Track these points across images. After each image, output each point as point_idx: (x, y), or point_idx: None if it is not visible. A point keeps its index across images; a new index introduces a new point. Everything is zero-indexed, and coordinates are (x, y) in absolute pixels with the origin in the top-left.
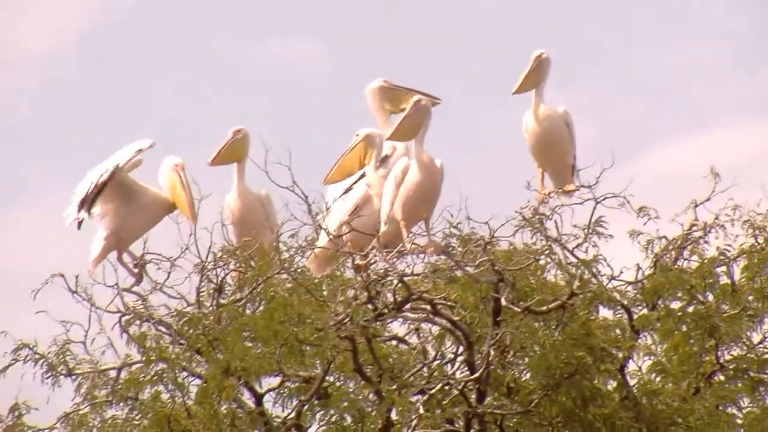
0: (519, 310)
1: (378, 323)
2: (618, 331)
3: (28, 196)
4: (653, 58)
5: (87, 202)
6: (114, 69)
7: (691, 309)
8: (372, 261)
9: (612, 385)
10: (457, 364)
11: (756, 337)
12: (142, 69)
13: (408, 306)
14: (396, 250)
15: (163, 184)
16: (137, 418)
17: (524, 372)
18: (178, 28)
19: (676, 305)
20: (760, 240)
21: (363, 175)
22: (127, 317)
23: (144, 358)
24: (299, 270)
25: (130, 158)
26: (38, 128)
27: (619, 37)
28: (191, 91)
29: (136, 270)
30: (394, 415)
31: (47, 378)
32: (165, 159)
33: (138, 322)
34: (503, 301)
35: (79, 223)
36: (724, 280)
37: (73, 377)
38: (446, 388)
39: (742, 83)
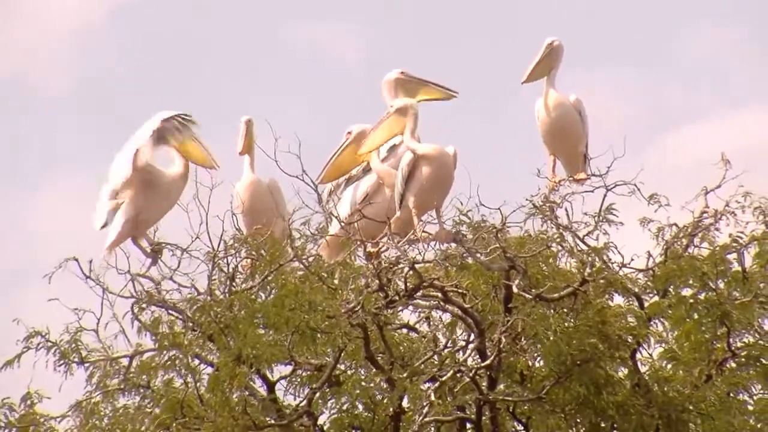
0: (530, 297)
1: (389, 311)
2: (631, 319)
3: (45, 182)
4: (683, 39)
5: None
6: (144, 48)
7: (702, 296)
8: (383, 248)
9: (623, 372)
10: (468, 352)
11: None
12: (173, 47)
13: (419, 293)
14: (406, 237)
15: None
16: (149, 406)
17: (536, 359)
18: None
19: (687, 293)
20: None
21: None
22: (139, 303)
23: (157, 344)
24: (311, 258)
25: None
26: (61, 108)
27: (647, 18)
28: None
29: (151, 253)
30: (405, 403)
31: (59, 366)
32: (157, 114)
33: (150, 307)
34: (515, 288)
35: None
36: (736, 267)
37: (86, 365)
38: (458, 375)
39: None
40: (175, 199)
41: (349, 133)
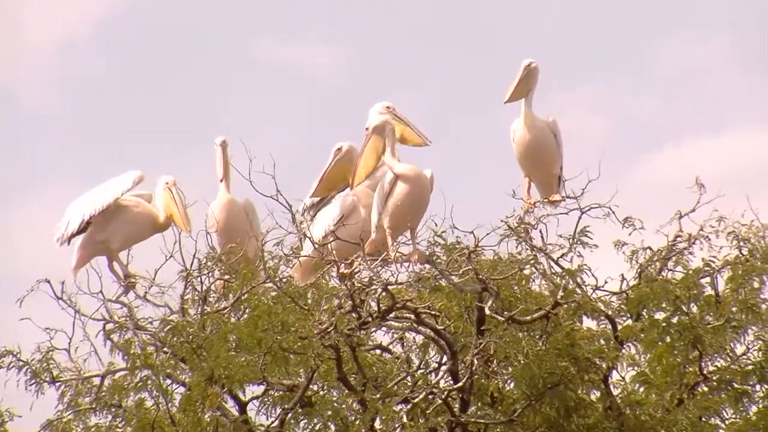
0: (503, 319)
1: (362, 332)
2: (602, 342)
3: (18, 199)
4: (665, 56)
5: (74, 234)
6: (125, 64)
7: (675, 320)
8: (356, 270)
9: (596, 395)
10: (440, 374)
11: (739, 349)
12: (154, 63)
13: (392, 315)
14: (380, 258)
15: (159, 203)
16: (121, 425)
17: (508, 381)
18: (192, 22)
19: (660, 316)
20: (745, 251)
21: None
22: (111, 326)
23: (129, 366)
24: (284, 279)
25: (124, 192)
26: (44, 121)
27: (630, 34)
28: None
29: (124, 284)
30: (378, 424)
31: (31, 385)
32: (160, 178)
33: (122, 330)
34: (487, 311)
35: (68, 240)
36: (709, 291)
37: (57, 384)
38: (430, 397)
39: (752, 83)
40: (141, 233)
41: (339, 149)
